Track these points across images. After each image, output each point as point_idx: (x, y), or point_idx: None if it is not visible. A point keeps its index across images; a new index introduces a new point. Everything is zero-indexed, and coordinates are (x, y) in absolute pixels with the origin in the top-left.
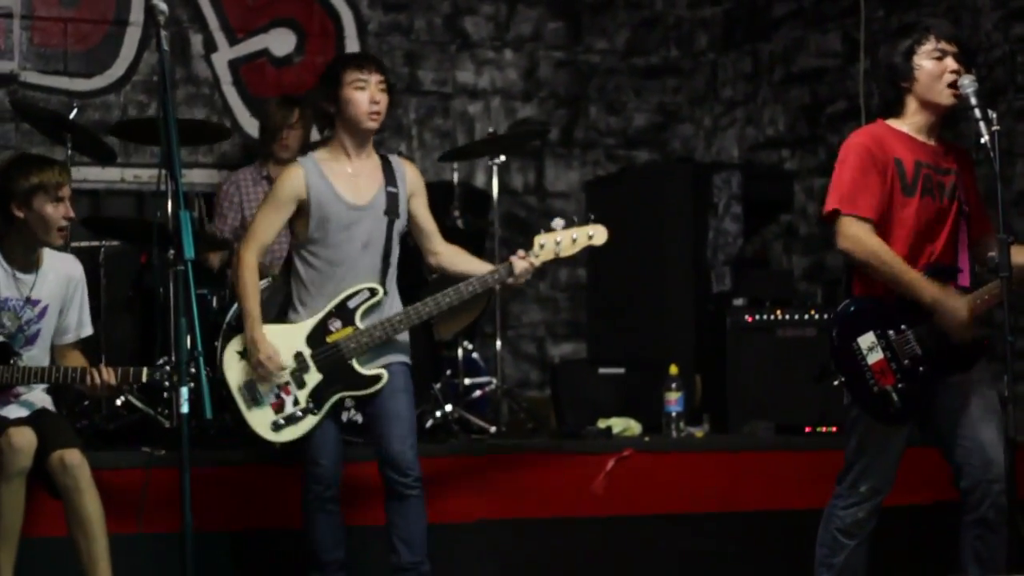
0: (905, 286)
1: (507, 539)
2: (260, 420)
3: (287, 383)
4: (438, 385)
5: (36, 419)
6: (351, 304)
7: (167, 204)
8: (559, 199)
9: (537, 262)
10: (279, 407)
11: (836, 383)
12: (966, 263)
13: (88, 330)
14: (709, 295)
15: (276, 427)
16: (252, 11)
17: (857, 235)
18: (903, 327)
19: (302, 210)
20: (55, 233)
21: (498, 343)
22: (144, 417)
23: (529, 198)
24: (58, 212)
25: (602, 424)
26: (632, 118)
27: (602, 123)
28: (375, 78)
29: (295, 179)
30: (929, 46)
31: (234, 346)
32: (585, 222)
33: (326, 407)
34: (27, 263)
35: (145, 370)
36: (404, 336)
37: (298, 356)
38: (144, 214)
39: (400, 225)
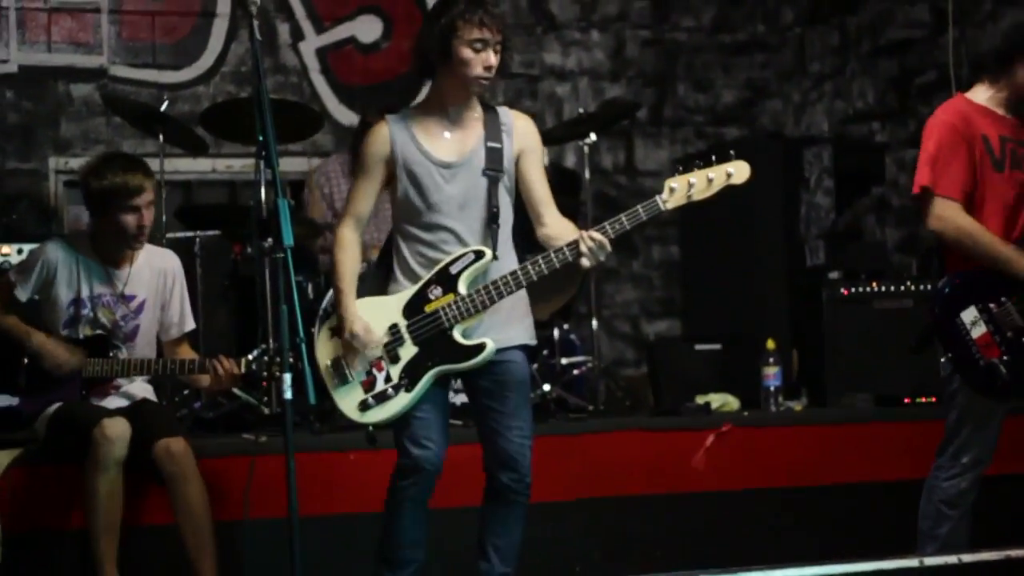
0: (1001, 263)
1: (608, 517)
2: (349, 400)
3: (380, 358)
4: (535, 366)
5: (137, 409)
6: (453, 269)
7: (261, 192)
8: (649, 178)
9: (668, 206)
10: (370, 385)
11: (943, 359)
12: None
13: (190, 324)
14: (803, 269)
15: (364, 407)
16: None
17: (946, 215)
18: (1003, 299)
19: (392, 172)
20: (129, 240)
21: (594, 322)
22: (244, 405)
23: (620, 177)
24: (131, 221)
25: (700, 400)
26: (720, 95)
27: (691, 101)
28: (496, 39)
29: (379, 138)
30: None
31: (327, 325)
32: (724, 159)
33: (422, 383)
34: (119, 259)
35: (243, 360)
36: (527, 315)
37: (393, 328)
38: (238, 203)
39: (506, 184)
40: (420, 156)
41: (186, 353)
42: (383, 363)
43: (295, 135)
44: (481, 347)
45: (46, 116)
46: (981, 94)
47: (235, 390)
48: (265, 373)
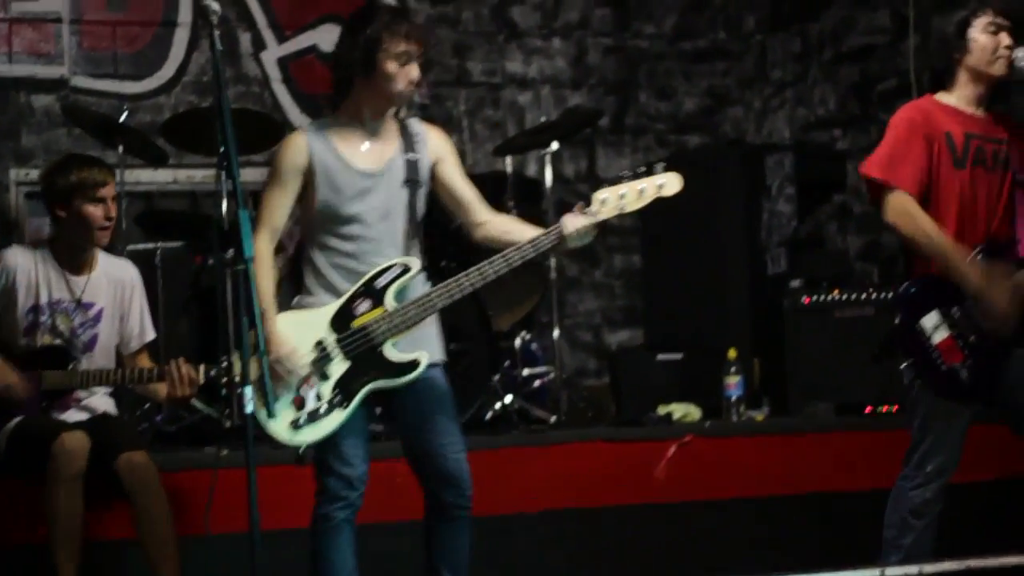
0: (951, 269)
1: (571, 528)
2: (279, 421)
3: (309, 375)
4: (497, 376)
5: (98, 423)
6: (380, 282)
7: (223, 203)
8: None
9: (598, 218)
10: (300, 403)
11: (903, 365)
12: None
13: (151, 334)
14: (765, 277)
15: (295, 427)
16: (300, 8)
17: (906, 210)
18: (967, 302)
19: (309, 182)
20: (96, 233)
21: (555, 332)
22: (204, 418)
23: (582, 186)
24: (98, 212)
25: (662, 410)
26: (682, 102)
27: (652, 108)
28: (419, 52)
29: (296, 148)
30: (985, 19)
31: (251, 341)
32: (652, 172)
33: (356, 399)
34: (78, 265)
35: (202, 367)
36: (440, 332)
37: (320, 344)
38: (199, 214)
39: (424, 193)
40: (341, 165)
41: (146, 364)
42: (312, 379)
43: (257, 145)
44: (415, 363)
45: (6, 127)
46: (949, 96)
47: (195, 403)
48: (224, 383)
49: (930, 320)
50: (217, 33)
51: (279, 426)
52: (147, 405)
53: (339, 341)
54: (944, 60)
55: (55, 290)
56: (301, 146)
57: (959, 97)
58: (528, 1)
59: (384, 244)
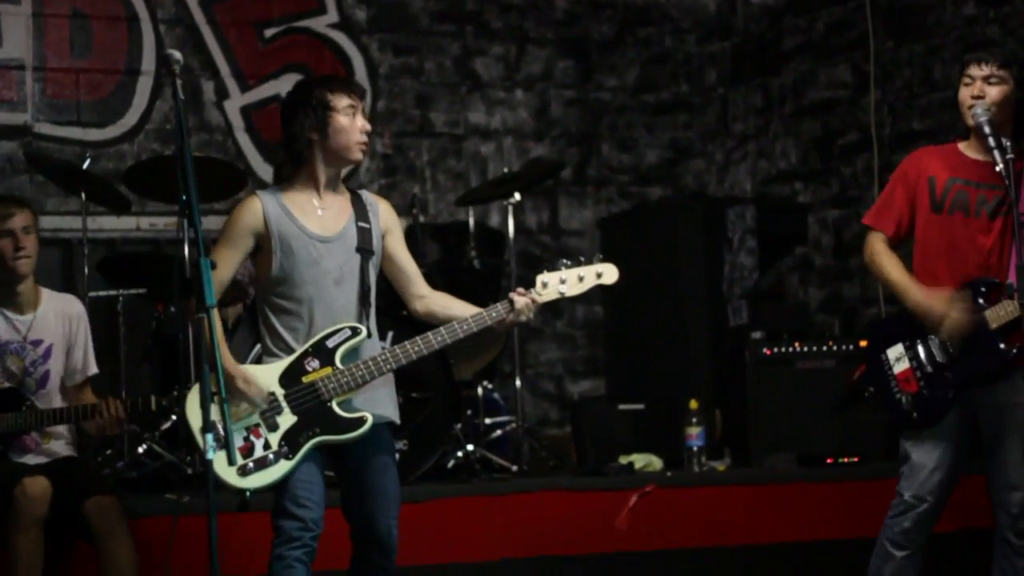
0: (897, 290)
1: None
2: (226, 465)
3: (257, 425)
4: (459, 425)
5: (62, 467)
6: (330, 343)
7: (185, 250)
8: (574, 237)
9: (540, 300)
10: (248, 450)
11: (868, 393)
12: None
13: (93, 369)
14: (726, 329)
15: (244, 471)
16: (263, 57)
17: (868, 244)
18: (931, 336)
19: (263, 246)
20: (11, 264)
21: (517, 382)
22: (166, 464)
23: (544, 237)
24: (7, 244)
25: (623, 460)
26: (644, 154)
27: (614, 160)
28: (361, 104)
29: (251, 211)
30: (963, 72)
31: (196, 388)
32: (592, 260)
33: (302, 452)
34: (19, 304)
35: (153, 398)
36: (394, 392)
37: (270, 397)
38: (161, 262)
39: (375, 262)
40: (296, 230)
41: (89, 398)
42: (260, 430)
43: (219, 193)
44: (362, 420)
45: None
46: (967, 143)
47: (158, 449)
48: (175, 412)
49: (894, 351)
50: (180, 82)
51: (227, 469)
52: (108, 451)
53: (287, 396)
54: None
55: (2, 331)
56: (256, 209)
57: (971, 145)
58: (491, 53)
59: (336, 308)
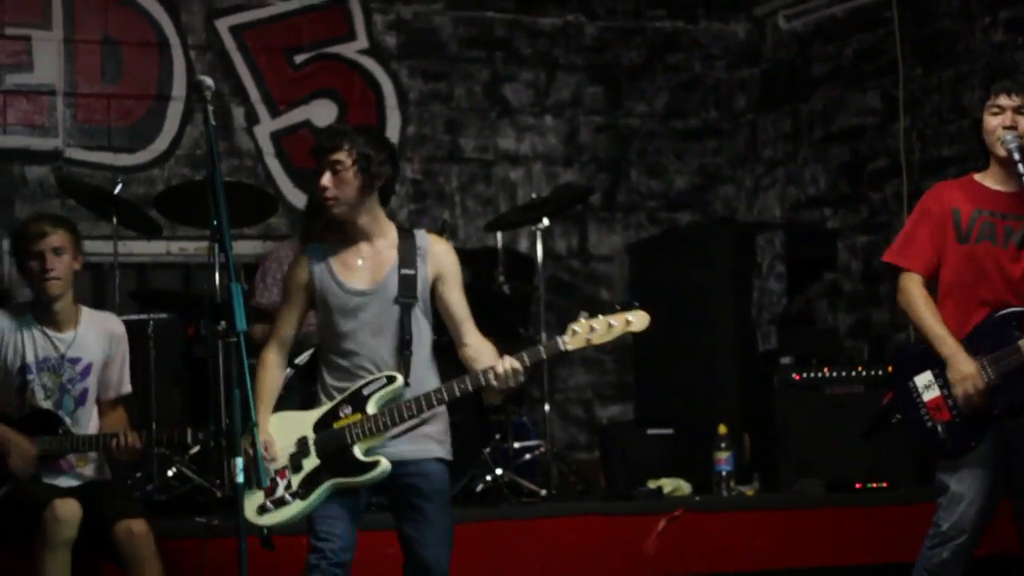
0: (931, 339)
1: None
2: (250, 503)
3: (284, 467)
4: (488, 450)
5: (93, 489)
6: (365, 392)
7: (215, 276)
8: (603, 262)
9: (566, 348)
10: (272, 491)
11: (895, 421)
12: None
13: (127, 388)
14: (755, 354)
15: (262, 510)
16: (293, 83)
17: (904, 287)
18: None
19: (312, 299)
20: (41, 286)
21: (546, 406)
22: (196, 487)
23: (573, 262)
24: (34, 266)
25: (652, 485)
26: (673, 180)
27: (643, 186)
28: (326, 160)
29: (300, 269)
30: (990, 102)
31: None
32: (628, 307)
33: (316, 493)
34: (57, 322)
35: (189, 430)
36: (446, 431)
37: (301, 441)
38: (192, 286)
39: (421, 308)
40: (335, 287)
41: (121, 417)
42: (287, 472)
43: (249, 218)
44: (375, 464)
45: (1, 198)
46: (984, 174)
47: (188, 472)
48: (211, 443)
49: (922, 379)
50: (211, 108)
51: (249, 508)
52: (138, 474)
53: (316, 440)
54: (979, 142)
55: (40, 349)
56: (304, 267)
57: (990, 175)
58: (521, 79)
59: (377, 359)
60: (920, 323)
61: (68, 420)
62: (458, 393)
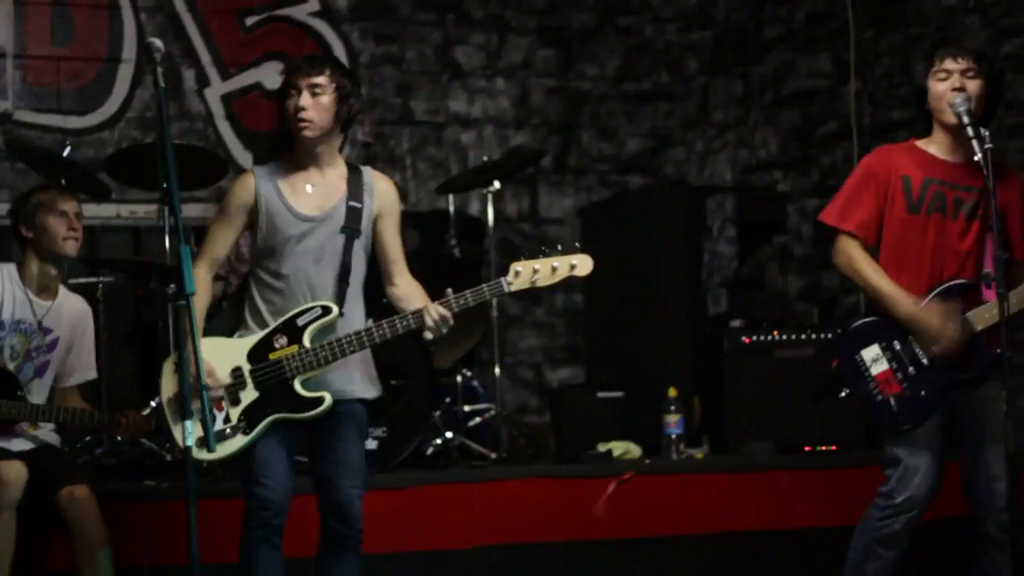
0: (884, 299)
1: (509, 564)
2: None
3: (221, 398)
4: (438, 413)
5: (41, 454)
6: (300, 321)
7: (166, 238)
8: (553, 225)
9: (510, 289)
10: (204, 430)
11: (841, 395)
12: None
13: (93, 373)
14: (706, 317)
15: (200, 443)
16: (244, 46)
17: (844, 250)
18: (910, 336)
19: (254, 221)
20: (61, 243)
21: (496, 370)
22: (145, 451)
23: (524, 225)
24: (61, 224)
25: (602, 448)
26: (624, 143)
27: (595, 149)
28: (306, 82)
29: (244, 188)
30: (936, 67)
31: (171, 359)
32: (571, 251)
33: (259, 428)
34: (43, 288)
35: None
36: (370, 368)
37: (236, 371)
38: (141, 249)
39: (362, 242)
40: (283, 208)
41: (76, 401)
42: (223, 404)
43: (199, 181)
44: (320, 400)
45: None
46: (928, 142)
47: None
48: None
49: (869, 352)
50: (160, 70)
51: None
52: (88, 438)
53: (252, 372)
54: (919, 110)
55: (18, 309)
56: (249, 186)
57: (936, 143)
58: (472, 41)
59: (315, 286)
60: (868, 284)
61: (24, 388)
62: (401, 330)
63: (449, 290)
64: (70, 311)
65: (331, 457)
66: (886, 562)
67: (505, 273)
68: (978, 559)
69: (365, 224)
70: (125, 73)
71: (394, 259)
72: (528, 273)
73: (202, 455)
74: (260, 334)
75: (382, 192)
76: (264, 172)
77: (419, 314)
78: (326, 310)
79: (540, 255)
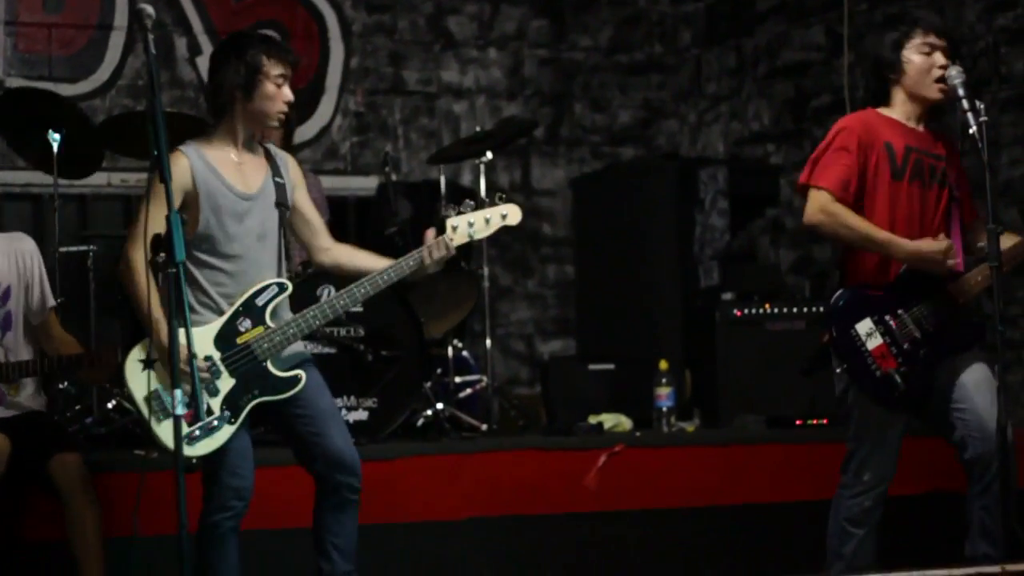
0: (879, 246)
1: (499, 536)
2: (171, 433)
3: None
4: (428, 384)
5: (29, 422)
6: (259, 302)
7: None
8: (545, 197)
9: (452, 245)
10: (193, 417)
11: (837, 371)
12: (959, 248)
13: (51, 300)
14: (697, 290)
15: (191, 440)
16: (236, 14)
17: (825, 207)
18: (900, 311)
19: (190, 202)
20: None
21: (488, 341)
22: (135, 420)
23: (516, 196)
24: None
25: (593, 420)
26: (617, 115)
27: (587, 120)
28: (291, 75)
29: (179, 168)
30: (918, 40)
31: (135, 355)
32: (495, 202)
33: (243, 415)
34: None
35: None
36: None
37: (207, 360)
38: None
39: (288, 217)
40: (223, 187)
41: (59, 332)
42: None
43: None
44: (296, 379)
45: None
46: (892, 110)
47: (127, 405)
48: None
49: (863, 326)
50: (152, 37)
51: (169, 435)
52: (77, 407)
53: (224, 359)
54: (878, 80)
55: None
56: (183, 166)
57: (898, 112)
58: (464, 11)
59: (261, 265)
60: (859, 234)
61: None
62: (360, 298)
63: (431, 232)
64: (9, 254)
65: (310, 414)
66: (860, 540)
67: (443, 230)
68: (977, 516)
69: (289, 199)
70: (117, 40)
71: (318, 225)
72: (464, 227)
73: (192, 451)
74: (220, 320)
75: (291, 165)
76: (193, 151)
77: (419, 254)
78: (281, 287)
79: (468, 210)
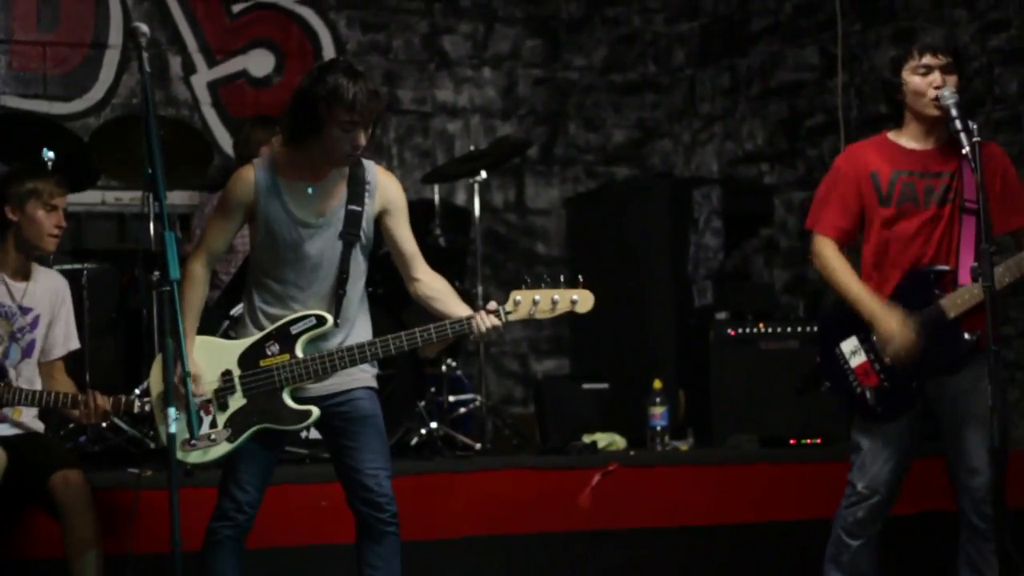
0: (852, 300)
1: (493, 555)
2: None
3: (208, 402)
4: (422, 403)
5: (27, 440)
6: (294, 330)
7: (150, 225)
8: (540, 216)
9: (508, 319)
10: (190, 433)
11: (823, 388)
12: (968, 261)
13: (75, 343)
14: (691, 309)
15: (187, 447)
16: (230, 32)
17: (818, 252)
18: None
19: (252, 218)
20: (47, 239)
21: (482, 360)
22: (129, 439)
23: (510, 215)
24: (50, 219)
25: (587, 439)
26: (611, 134)
27: (581, 140)
28: (367, 120)
29: (244, 183)
30: (914, 62)
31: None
32: (572, 285)
33: (244, 436)
34: (19, 271)
35: (136, 401)
36: (370, 363)
37: (226, 375)
38: (126, 236)
39: (364, 246)
40: (282, 212)
41: (61, 375)
42: (211, 407)
43: (186, 169)
44: (307, 414)
45: None
46: (899, 133)
47: (121, 424)
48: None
49: (848, 345)
50: (146, 56)
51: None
52: (72, 425)
53: (242, 377)
54: (889, 101)
55: None
56: (249, 182)
57: (908, 134)
58: (459, 31)
59: (311, 293)
60: (838, 285)
61: (12, 372)
62: (393, 351)
63: (493, 302)
64: (46, 287)
65: (350, 444)
66: (855, 553)
67: (505, 301)
68: (964, 549)
69: (366, 226)
70: (111, 59)
71: (410, 254)
72: (528, 304)
73: (187, 457)
74: (252, 339)
75: (384, 188)
76: (264, 168)
77: (469, 321)
78: (320, 320)
79: (542, 285)
